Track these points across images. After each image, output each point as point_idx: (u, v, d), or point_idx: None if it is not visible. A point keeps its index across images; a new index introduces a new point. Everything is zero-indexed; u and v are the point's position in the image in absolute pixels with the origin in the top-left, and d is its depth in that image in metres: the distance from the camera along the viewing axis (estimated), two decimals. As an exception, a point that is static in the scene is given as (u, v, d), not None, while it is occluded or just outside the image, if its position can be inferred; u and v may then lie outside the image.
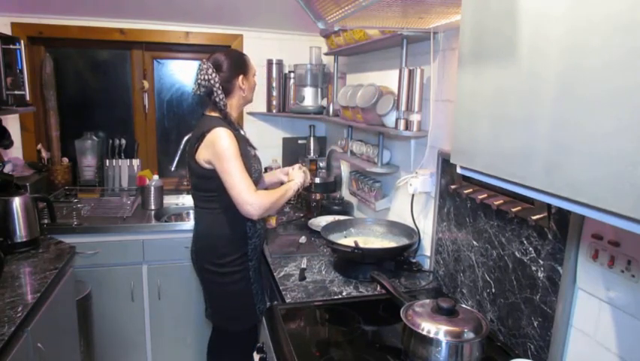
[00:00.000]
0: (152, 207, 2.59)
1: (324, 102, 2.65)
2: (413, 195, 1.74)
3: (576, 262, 1.03)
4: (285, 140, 3.07)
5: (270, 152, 2.99)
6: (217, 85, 1.66)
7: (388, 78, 2.00)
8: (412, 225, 1.78)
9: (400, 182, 1.87)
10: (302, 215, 2.51)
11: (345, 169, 2.67)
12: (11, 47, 1.85)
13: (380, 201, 2.09)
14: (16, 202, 1.83)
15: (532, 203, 1.11)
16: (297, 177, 1.84)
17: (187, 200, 2.80)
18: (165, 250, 2.36)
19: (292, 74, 2.80)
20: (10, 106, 1.85)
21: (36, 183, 2.41)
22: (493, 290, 1.31)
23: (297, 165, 1.93)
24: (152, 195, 2.59)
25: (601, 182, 0.56)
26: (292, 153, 3.04)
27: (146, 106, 2.91)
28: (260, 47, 2.89)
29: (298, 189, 1.83)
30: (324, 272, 1.72)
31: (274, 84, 2.87)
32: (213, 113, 1.69)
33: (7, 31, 2.50)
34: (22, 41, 1.90)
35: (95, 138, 2.84)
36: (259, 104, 2.91)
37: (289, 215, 2.56)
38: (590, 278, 1.00)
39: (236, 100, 1.75)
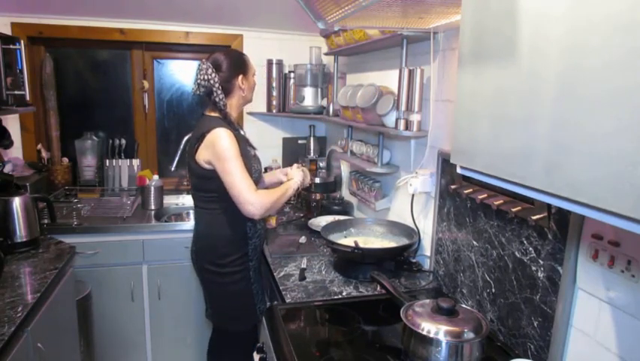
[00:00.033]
0: (152, 207, 2.59)
1: (324, 102, 2.65)
2: (413, 195, 1.74)
3: (576, 262, 1.03)
4: (285, 140, 3.07)
5: (270, 152, 2.99)
6: (217, 85, 1.66)
7: (388, 78, 2.00)
8: (412, 225, 1.78)
9: (400, 182, 1.87)
10: (302, 215, 2.51)
11: (345, 169, 2.67)
12: (11, 47, 1.85)
13: (380, 201, 2.09)
14: (16, 202, 1.83)
15: (532, 203, 1.11)
16: (296, 175, 1.85)
17: (187, 200, 2.80)
18: (165, 250, 2.36)
19: (292, 74, 2.80)
20: (10, 106, 1.85)
21: (36, 183, 2.41)
22: (493, 290, 1.31)
23: (295, 165, 1.94)
24: (152, 195, 2.59)
25: (601, 182, 0.56)
26: (292, 153, 3.04)
27: (146, 106, 2.91)
28: (260, 47, 2.89)
29: (298, 188, 1.83)
30: (324, 272, 1.72)
31: (274, 84, 2.87)
32: (213, 114, 1.69)
33: (7, 31, 2.50)
34: (22, 41, 1.90)
35: (95, 138, 2.84)
36: (259, 104, 2.91)
37: (289, 215, 2.56)
38: (590, 278, 1.00)
39: (236, 100, 1.75)
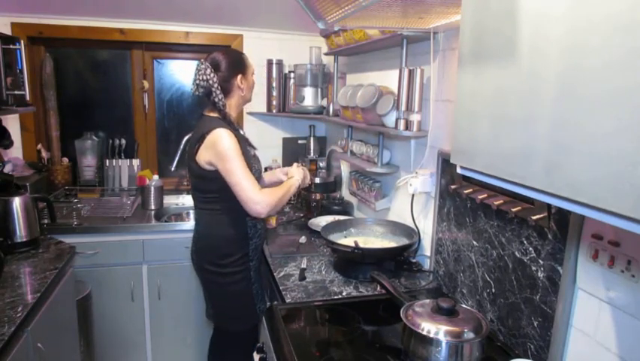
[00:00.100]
0: (152, 207, 2.59)
1: (324, 102, 2.65)
2: (413, 195, 1.74)
3: (576, 262, 1.03)
4: (285, 140, 3.07)
5: (270, 152, 2.99)
6: (215, 85, 1.65)
7: (388, 78, 2.00)
8: (412, 225, 1.78)
9: (399, 182, 1.87)
10: (302, 215, 2.51)
11: (345, 169, 2.67)
12: (11, 47, 1.85)
13: (380, 201, 2.09)
14: (16, 202, 1.83)
15: (532, 203, 1.11)
16: (296, 174, 1.85)
17: (187, 200, 2.80)
18: (165, 250, 2.36)
19: (292, 74, 2.80)
20: (10, 106, 1.85)
21: (36, 183, 2.41)
22: (493, 290, 1.31)
23: (295, 164, 1.94)
24: (152, 195, 2.59)
25: (601, 182, 0.56)
26: (292, 153, 3.04)
27: (146, 106, 2.91)
28: (260, 47, 2.89)
29: (299, 186, 1.83)
30: (324, 272, 1.72)
31: (274, 84, 2.87)
32: (212, 114, 1.69)
33: (7, 31, 2.50)
34: (22, 41, 1.90)
35: (95, 138, 2.84)
36: (259, 104, 2.92)
37: (289, 215, 2.56)
38: (590, 278, 1.00)
39: (236, 100, 1.75)
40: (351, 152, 2.23)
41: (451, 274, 1.54)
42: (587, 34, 0.57)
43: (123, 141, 2.87)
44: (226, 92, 1.70)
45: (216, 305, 1.79)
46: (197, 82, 1.65)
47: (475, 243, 1.40)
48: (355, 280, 1.64)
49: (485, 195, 1.27)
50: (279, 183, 1.92)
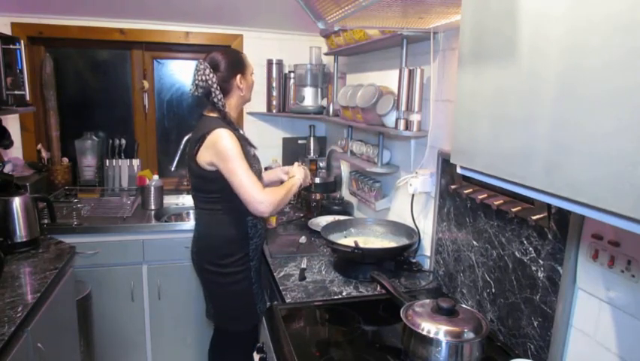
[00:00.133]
0: (152, 207, 2.59)
1: (324, 102, 2.65)
2: (413, 195, 1.74)
3: (576, 262, 1.03)
4: (285, 140, 3.07)
5: (270, 152, 2.99)
6: (215, 85, 1.65)
7: (388, 78, 2.00)
8: (412, 225, 1.78)
9: (399, 182, 1.87)
10: (302, 215, 2.51)
11: (345, 169, 2.67)
12: (11, 47, 1.85)
13: (380, 201, 2.09)
14: (16, 202, 1.83)
15: (532, 203, 1.11)
16: (297, 173, 1.85)
17: (187, 200, 2.80)
18: (165, 250, 2.36)
19: (292, 74, 2.80)
20: (10, 106, 1.85)
21: (36, 183, 2.41)
22: (493, 290, 1.31)
23: (296, 163, 1.94)
24: (152, 195, 2.59)
25: (601, 182, 0.56)
26: (292, 153, 3.04)
27: (146, 106, 2.91)
28: (260, 47, 2.89)
29: (300, 185, 1.83)
30: (324, 272, 1.72)
31: (274, 84, 2.87)
32: (212, 114, 1.69)
33: (7, 31, 2.50)
34: (22, 41, 1.90)
35: (95, 138, 2.84)
36: (259, 104, 2.92)
37: (289, 215, 2.56)
38: (590, 278, 1.00)
39: (235, 100, 1.75)
40: (351, 152, 2.23)
41: (451, 274, 1.54)
42: (587, 34, 0.57)
43: (123, 141, 2.87)
44: (225, 92, 1.70)
45: (217, 305, 1.79)
46: (197, 82, 1.65)
47: (475, 243, 1.40)
48: (355, 280, 1.64)
49: (485, 195, 1.27)
50: (279, 182, 1.92)
